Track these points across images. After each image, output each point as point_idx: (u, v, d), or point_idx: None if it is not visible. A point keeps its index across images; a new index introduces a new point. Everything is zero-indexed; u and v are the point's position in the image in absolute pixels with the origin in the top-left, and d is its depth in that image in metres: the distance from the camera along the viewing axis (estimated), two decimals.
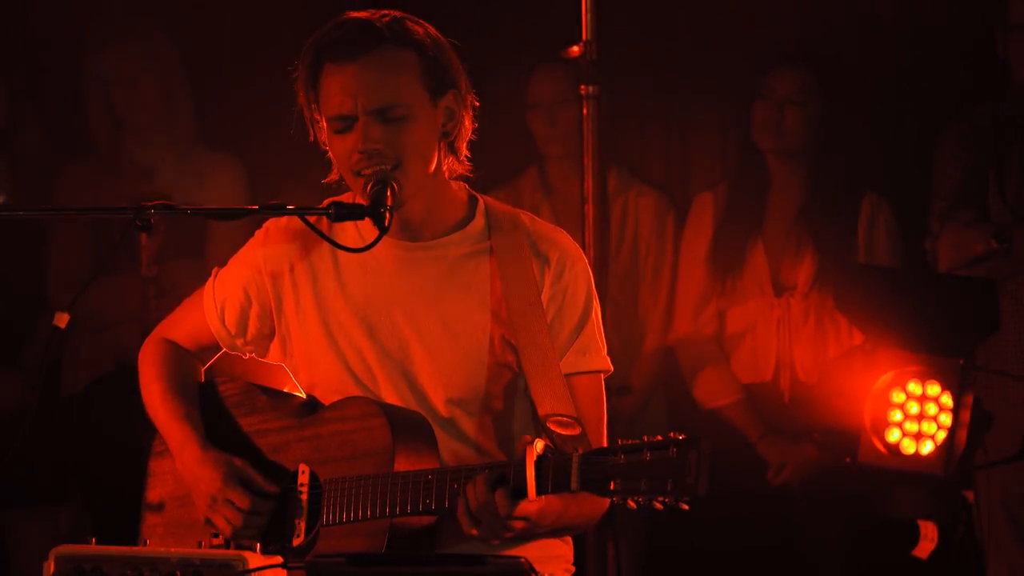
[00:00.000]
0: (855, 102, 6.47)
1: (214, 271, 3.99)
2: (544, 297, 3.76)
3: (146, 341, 4.07)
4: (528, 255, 3.78)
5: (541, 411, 3.61)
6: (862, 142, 6.45)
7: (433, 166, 3.75)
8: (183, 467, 3.84)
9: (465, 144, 3.79)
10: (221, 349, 4.00)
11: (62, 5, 6.72)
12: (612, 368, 3.84)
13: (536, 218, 3.88)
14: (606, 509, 3.76)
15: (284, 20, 6.60)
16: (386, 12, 3.71)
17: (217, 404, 3.96)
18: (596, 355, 3.81)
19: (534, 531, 3.54)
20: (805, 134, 6.31)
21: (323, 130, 3.75)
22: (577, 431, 3.56)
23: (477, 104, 3.79)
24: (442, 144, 3.75)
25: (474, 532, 3.50)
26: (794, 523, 6.20)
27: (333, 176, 3.79)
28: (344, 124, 3.68)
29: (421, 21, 3.73)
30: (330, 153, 3.76)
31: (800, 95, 6.30)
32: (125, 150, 6.42)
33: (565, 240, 3.85)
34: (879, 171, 6.43)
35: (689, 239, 6.50)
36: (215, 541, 3.81)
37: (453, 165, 3.79)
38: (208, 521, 3.80)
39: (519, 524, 3.49)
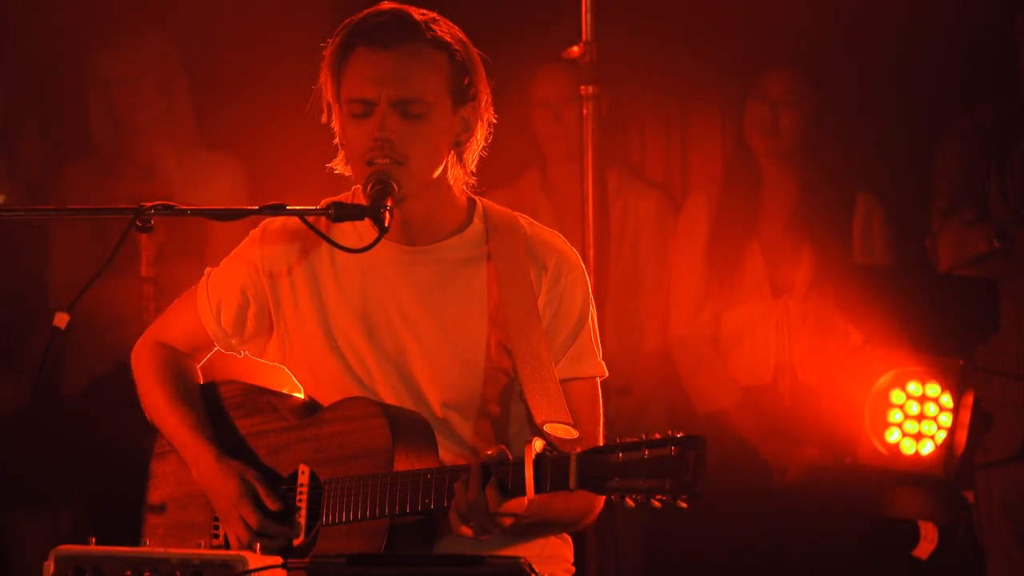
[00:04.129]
0: (848, 102, 6.47)
1: (207, 271, 3.99)
2: (540, 303, 3.76)
3: (138, 345, 4.06)
4: (525, 260, 3.78)
5: (538, 418, 3.61)
6: (855, 142, 6.46)
7: (438, 171, 3.75)
8: (200, 477, 3.85)
9: (474, 157, 3.79)
10: (215, 348, 4.00)
11: (63, 6, 6.73)
12: (607, 373, 3.84)
13: (534, 222, 3.88)
14: (599, 509, 3.76)
15: (284, 21, 6.61)
16: (425, 10, 3.73)
17: (218, 406, 3.96)
18: (591, 360, 3.81)
19: (518, 522, 3.54)
20: (799, 135, 6.32)
21: (337, 115, 3.75)
22: (574, 435, 3.56)
23: (494, 121, 3.80)
24: (452, 152, 3.76)
25: (463, 530, 3.50)
26: (793, 524, 6.20)
27: (339, 162, 3.79)
28: (363, 109, 3.68)
29: (456, 27, 3.74)
30: (340, 139, 3.76)
31: (794, 96, 6.30)
32: (125, 150, 6.43)
33: (562, 245, 3.85)
34: (872, 171, 6.44)
35: (682, 241, 6.50)
36: (215, 543, 3.82)
37: (459, 175, 3.79)
38: (216, 528, 3.83)
39: (507, 520, 3.49)
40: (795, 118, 6.31)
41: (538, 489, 3.41)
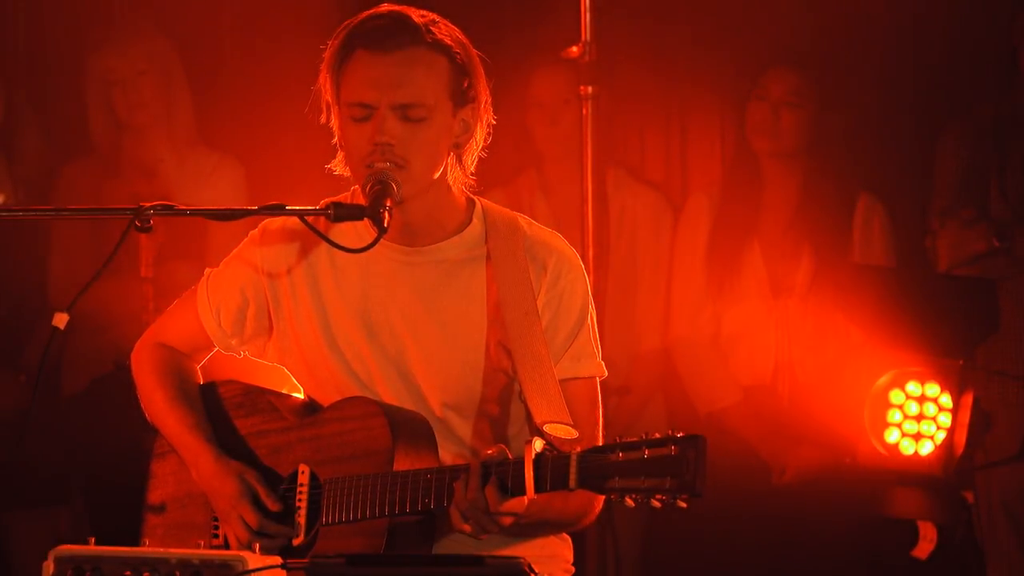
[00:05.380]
0: (849, 102, 6.47)
1: (206, 272, 3.99)
2: (540, 303, 3.76)
3: (138, 346, 4.06)
4: (524, 260, 3.78)
5: (538, 418, 3.61)
6: (856, 142, 6.46)
7: (438, 172, 3.75)
8: (199, 477, 3.85)
9: (474, 158, 3.79)
10: (215, 348, 4.00)
11: (63, 6, 6.73)
12: (606, 373, 3.84)
13: (534, 222, 3.88)
14: (599, 509, 3.76)
15: (284, 21, 6.61)
16: (424, 12, 3.72)
17: (219, 406, 3.96)
18: (590, 361, 3.81)
19: (518, 523, 3.54)
20: (801, 135, 6.32)
21: (337, 116, 3.75)
22: (574, 435, 3.56)
23: (493, 122, 3.80)
24: (452, 154, 3.76)
25: (465, 528, 3.51)
26: (793, 524, 6.20)
27: (338, 163, 3.79)
28: (363, 113, 3.67)
29: (456, 28, 3.74)
30: (339, 140, 3.76)
31: (796, 96, 6.30)
32: (125, 150, 6.43)
33: (562, 245, 3.85)
34: (873, 171, 6.45)
35: (683, 241, 6.50)
36: (215, 543, 3.83)
37: (458, 176, 3.79)
38: (215, 528, 3.84)
39: (507, 520, 3.50)
40: (796, 118, 6.31)
41: (538, 489, 3.41)
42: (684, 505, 3.27)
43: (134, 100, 6.37)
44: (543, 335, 3.72)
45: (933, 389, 5.81)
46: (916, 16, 6.46)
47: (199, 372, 4.04)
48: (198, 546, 3.42)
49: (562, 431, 3.56)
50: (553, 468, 3.40)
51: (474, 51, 3.75)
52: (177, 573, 3.29)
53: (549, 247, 3.82)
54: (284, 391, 3.95)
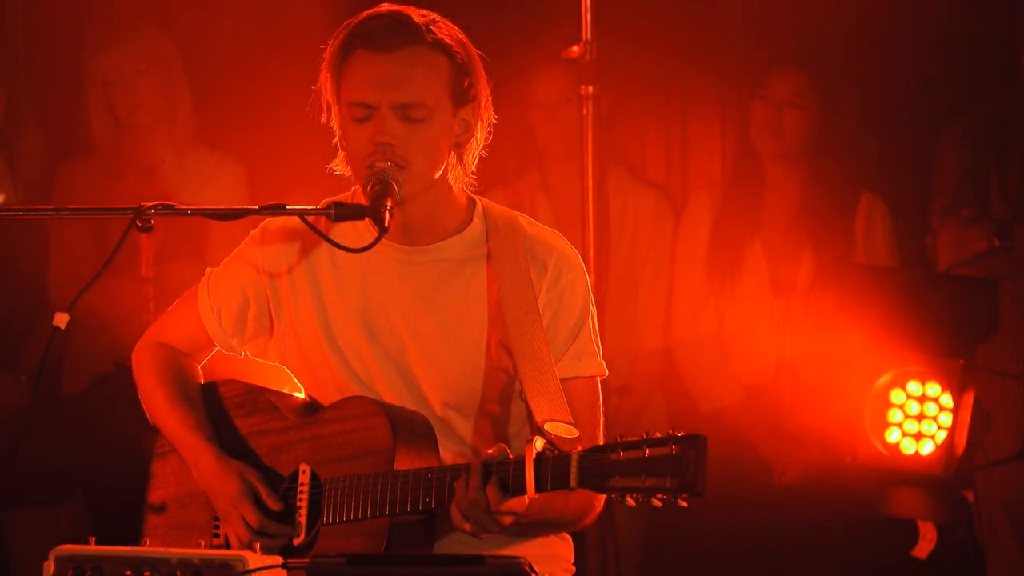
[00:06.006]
0: (851, 102, 6.48)
1: (207, 272, 3.99)
2: (540, 302, 3.76)
3: (138, 346, 4.06)
4: (525, 260, 3.78)
5: (538, 417, 3.61)
6: (858, 142, 6.47)
7: (439, 172, 3.75)
8: (200, 477, 3.85)
9: (474, 158, 3.79)
10: (216, 348, 4.00)
11: (62, 6, 6.73)
12: (607, 372, 3.84)
13: (534, 222, 3.88)
14: (599, 509, 3.77)
15: (284, 21, 6.61)
16: (424, 11, 3.73)
17: (219, 405, 3.96)
18: (591, 360, 3.81)
19: (519, 522, 3.54)
20: (804, 135, 6.33)
21: (337, 116, 3.75)
22: (575, 435, 3.56)
23: (494, 122, 3.80)
24: (452, 153, 3.76)
25: (465, 527, 3.51)
26: (793, 523, 6.20)
27: (339, 163, 3.79)
28: (364, 113, 3.68)
29: (456, 28, 3.74)
30: (340, 140, 3.76)
31: (799, 97, 6.31)
32: (125, 150, 6.43)
33: (562, 245, 3.85)
34: (875, 170, 6.45)
35: (685, 240, 6.51)
36: (215, 542, 3.83)
37: (459, 175, 3.79)
38: (216, 528, 3.84)
39: (507, 519, 3.50)
40: (799, 119, 6.32)
41: (539, 488, 3.41)
42: (685, 504, 3.26)
43: (134, 100, 6.37)
44: (544, 334, 3.72)
45: (934, 389, 5.82)
46: (917, 16, 6.46)
47: (200, 372, 4.04)
48: (199, 546, 3.42)
49: (563, 430, 3.56)
50: (554, 467, 3.40)
51: (474, 50, 3.75)
52: (178, 573, 3.29)
53: (549, 246, 3.82)
54: (285, 391, 3.95)
